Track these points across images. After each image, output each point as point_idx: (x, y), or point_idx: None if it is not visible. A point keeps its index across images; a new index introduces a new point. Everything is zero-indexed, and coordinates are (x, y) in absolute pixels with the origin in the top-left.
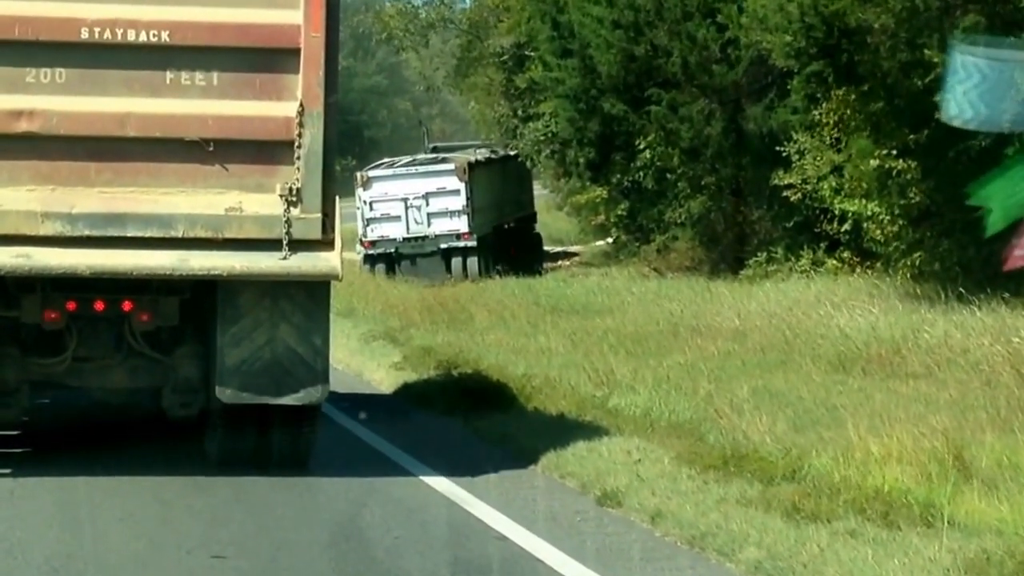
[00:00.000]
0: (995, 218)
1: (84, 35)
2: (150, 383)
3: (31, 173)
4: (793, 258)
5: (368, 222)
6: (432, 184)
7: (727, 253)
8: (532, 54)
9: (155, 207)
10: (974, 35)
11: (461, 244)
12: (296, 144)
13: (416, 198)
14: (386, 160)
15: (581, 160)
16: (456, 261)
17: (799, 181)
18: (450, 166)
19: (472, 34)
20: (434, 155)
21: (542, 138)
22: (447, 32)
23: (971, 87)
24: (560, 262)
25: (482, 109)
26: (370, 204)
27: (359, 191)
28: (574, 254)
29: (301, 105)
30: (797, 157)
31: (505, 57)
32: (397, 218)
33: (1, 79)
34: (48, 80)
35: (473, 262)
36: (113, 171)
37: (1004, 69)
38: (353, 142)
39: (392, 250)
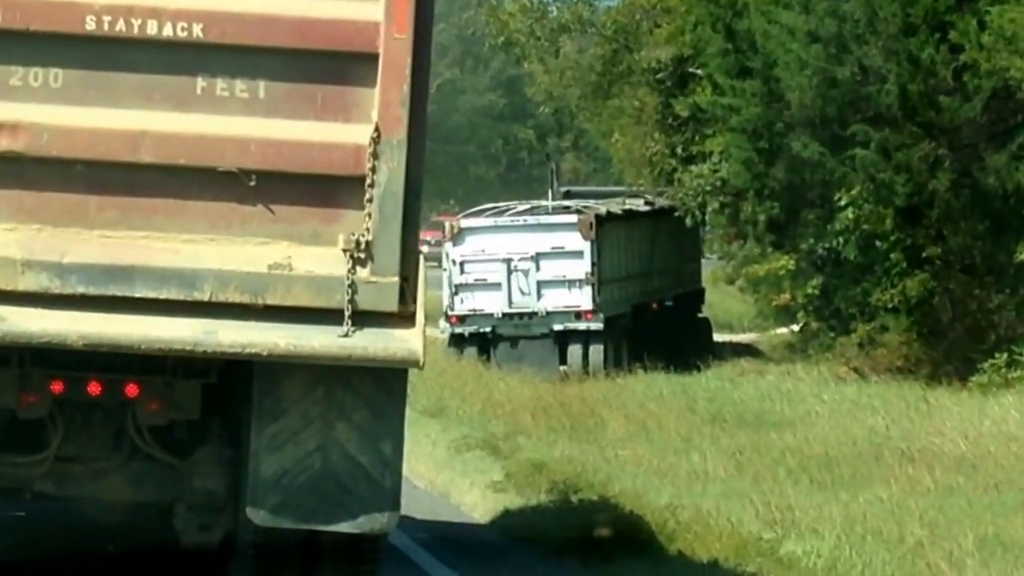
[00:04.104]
0: None
1: (90, 26)
2: (159, 496)
3: (11, 207)
4: None
5: (457, 289)
6: (546, 241)
7: (954, 352)
8: (699, 72)
9: (174, 259)
10: None
11: (582, 326)
12: (368, 182)
13: (523, 259)
14: (489, 206)
15: (760, 218)
16: (574, 349)
17: None
18: (572, 218)
19: (618, 42)
20: (558, 204)
21: (708, 187)
22: (585, 39)
23: None
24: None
25: (629, 144)
26: (460, 265)
27: (447, 246)
28: (747, 345)
29: (376, 130)
30: None
31: (662, 75)
32: (496, 286)
33: None
34: (39, 83)
35: (597, 351)
36: (120, 209)
37: None
38: (455, 182)
39: (488, 329)
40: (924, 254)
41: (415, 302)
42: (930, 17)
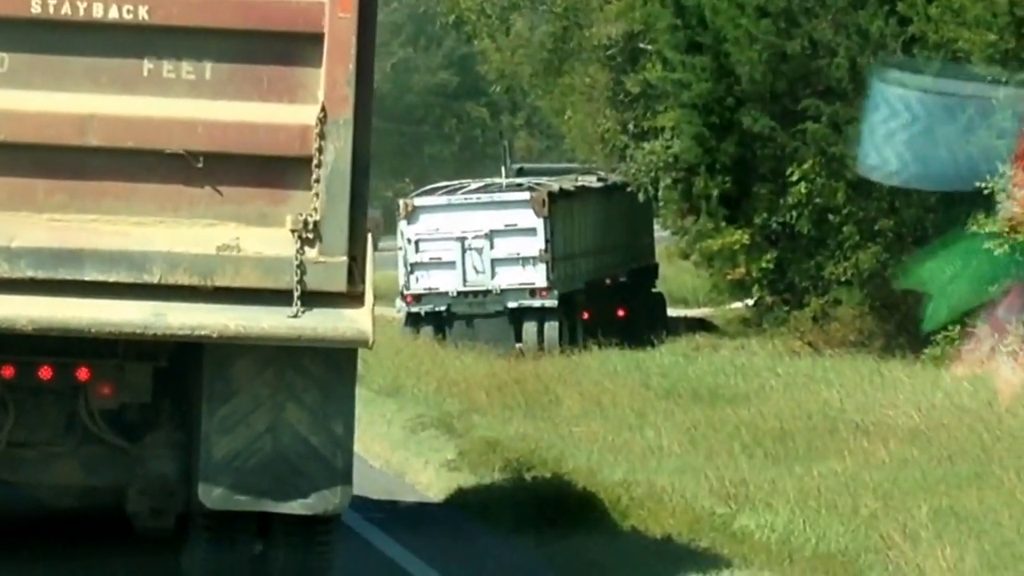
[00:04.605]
0: (937, 310)
1: (36, 9)
2: (111, 480)
3: None
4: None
5: (412, 268)
6: (499, 219)
7: (907, 324)
8: (649, 48)
9: (123, 242)
10: (901, 59)
11: (536, 303)
12: (315, 162)
13: (477, 237)
14: (443, 184)
15: (713, 193)
16: (529, 326)
17: (1005, 229)
18: (525, 196)
19: (569, 19)
20: (511, 181)
21: (660, 163)
22: (536, 16)
23: (897, 128)
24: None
25: (581, 121)
26: (415, 244)
27: (401, 224)
28: (701, 320)
29: (323, 110)
30: (1003, 196)
31: (613, 51)
32: (451, 264)
33: None
34: None
35: (552, 328)
36: (68, 192)
37: (939, 106)
38: (409, 161)
39: (443, 307)
40: (876, 227)
41: (364, 281)
42: None
